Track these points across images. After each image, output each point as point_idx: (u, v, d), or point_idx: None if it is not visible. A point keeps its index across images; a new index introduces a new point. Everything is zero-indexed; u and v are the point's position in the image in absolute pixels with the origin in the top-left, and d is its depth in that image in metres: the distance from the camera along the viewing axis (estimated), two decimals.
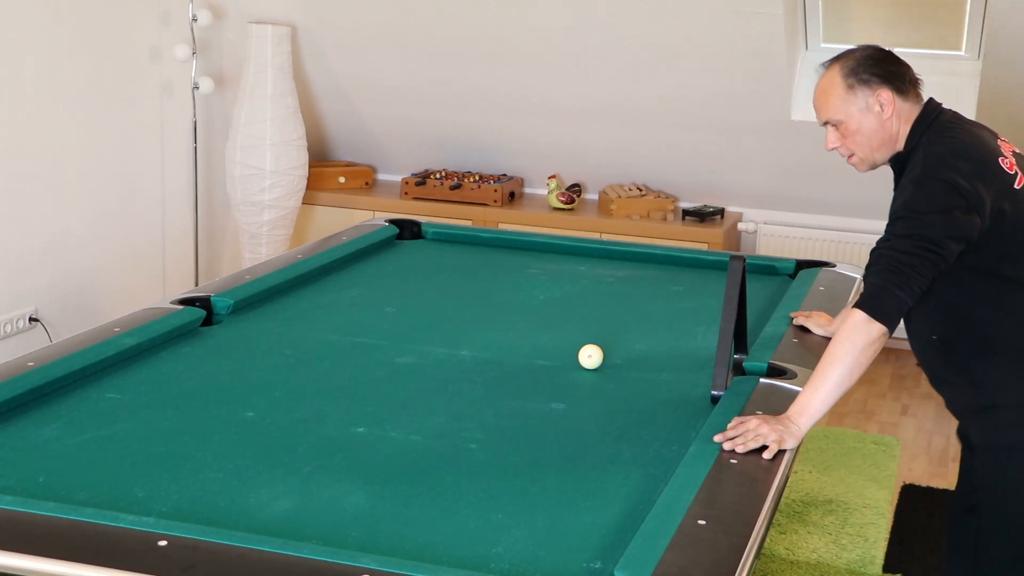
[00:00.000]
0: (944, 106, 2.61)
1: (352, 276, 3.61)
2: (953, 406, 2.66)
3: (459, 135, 5.96)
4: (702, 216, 5.64)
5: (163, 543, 1.84)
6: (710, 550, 1.89)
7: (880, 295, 2.39)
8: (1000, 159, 2.52)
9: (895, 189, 2.57)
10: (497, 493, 2.14)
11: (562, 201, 5.74)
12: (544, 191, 6.03)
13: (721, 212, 5.71)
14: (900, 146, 2.56)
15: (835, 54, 2.62)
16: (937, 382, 2.67)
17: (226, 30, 5.62)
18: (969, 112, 5.05)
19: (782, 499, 2.87)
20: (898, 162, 2.57)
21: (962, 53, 5.15)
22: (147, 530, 1.88)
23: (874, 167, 2.62)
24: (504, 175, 5.98)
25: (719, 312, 2.64)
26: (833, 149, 2.62)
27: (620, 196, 5.69)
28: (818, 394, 2.39)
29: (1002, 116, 4.98)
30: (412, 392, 2.66)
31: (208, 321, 3.07)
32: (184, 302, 3.08)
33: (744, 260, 2.72)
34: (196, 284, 5.52)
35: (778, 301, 3.37)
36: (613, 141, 5.73)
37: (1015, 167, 2.53)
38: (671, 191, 5.88)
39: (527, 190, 6.12)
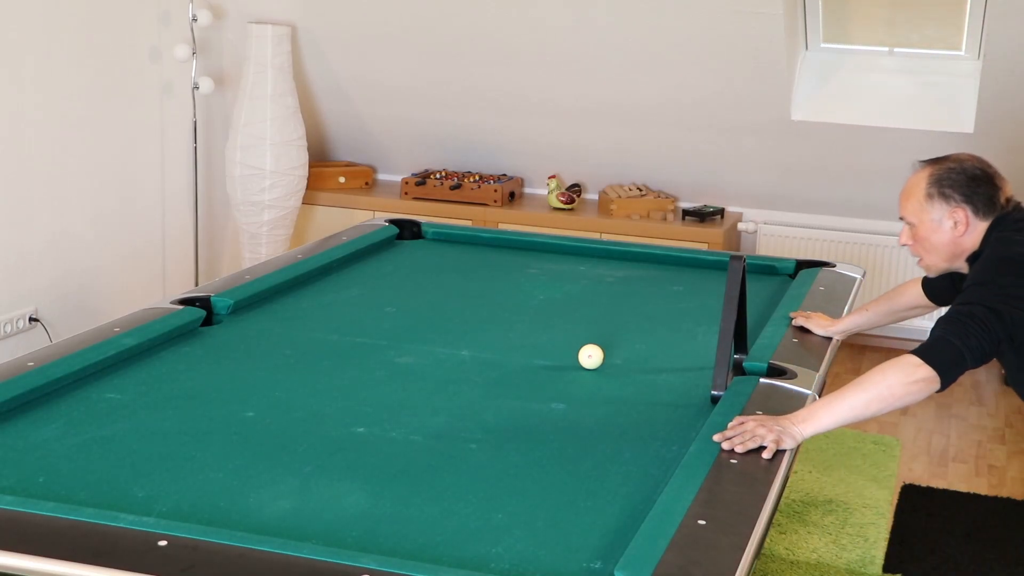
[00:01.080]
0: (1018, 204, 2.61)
1: (352, 276, 3.62)
2: None
3: (459, 135, 5.96)
4: (702, 216, 5.64)
5: (163, 543, 1.84)
6: (710, 550, 1.89)
7: (935, 343, 2.39)
8: None
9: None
10: (497, 493, 2.14)
11: (562, 201, 5.74)
12: (544, 191, 6.03)
13: (721, 212, 5.71)
14: (975, 248, 2.58)
15: (936, 157, 2.63)
16: None
17: (226, 30, 5.62)
18: (969, 112, 5.06)
19: (782, 499, 2.87)
20: (971, 260, 2.59)
21: (962, 53, 5.15)
22: (147, 530, 1.88)
23: (942, 272, 2.65)
24: (504, 175, 5.98)
25: (719, 312, 2.64)
26: (904, 245, 2.66)
27: (620, 196, 5.69)
28: (829, 407, 2.39)
29: (1002, 116, 4.98)
30: (412, 392, 2.66)
31: (208, 321, 3.07)
32: (184, 302, 3.08)
33: (744, 260, 2.72)
34: (196, 284, 5.52)
35: (778, 301, 3.37)
36: (613, 141, 5.73)
37: None
38: (671, 191, 5.88)
39: (527, 190, 6.12)
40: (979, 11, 4.95)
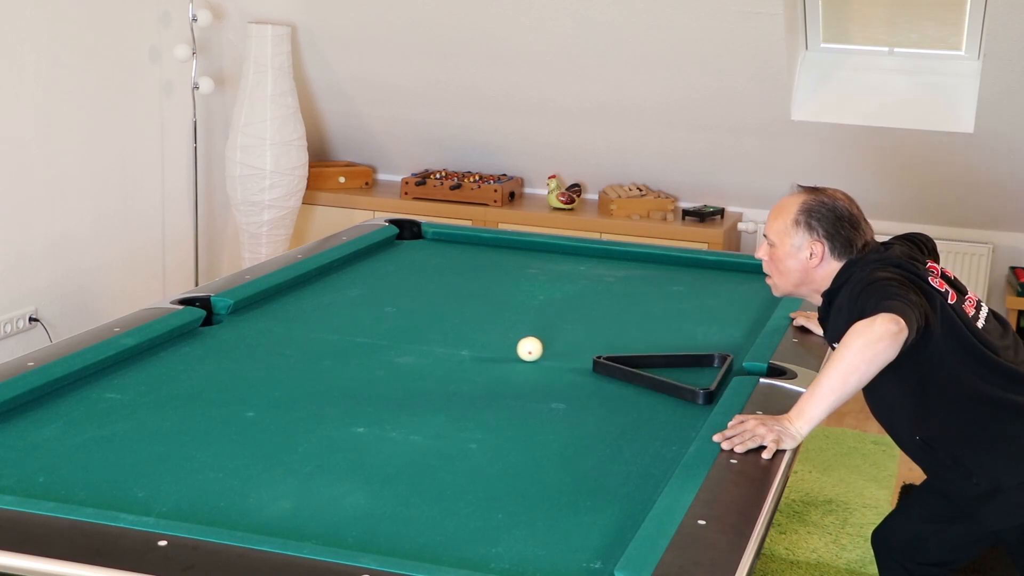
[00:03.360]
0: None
1: (352, 276, 3.62)
2: (961, 500, 2.66)
3: (459, 135, 5.96)
4: (702, 216, 5.64)
5: (163, 543, 1.84)
6: (710, 550, 1.89)
7: (877, 303, 2.38)
8: (930, 277, 2.57)
9: (823, 316, 2.65)
10: (497, 493, 2.14)
11: (562, 201, 5.74)
12: (544, 191, 6.03)
13: (721, 212, 5.71)
14: (827, 285, 2.63)
15: (815, 186, 2.70)
16: (937, 479, 2.71)
17: (226, 30, 5.62)
18: (969, 112, 5.06)
19: (782, 499, 2.87)
20: (829, 296, 2.63)
21: (962, 53, 5.15)
22: (147, 530, 1.88)
23: (789, 296, 2.74)
24: (504, 175, 5.98)
25: (719, 312, 2.65)
26: (760, 259, 2.73)
27: (620, 196, 5.69)
28: (813, 399, 2.39)
29: (1002, 116, 4.98)
30: (412, 392, 2.66)
31: (208, 321, 3.07)
32: (184, 302, 3.08)
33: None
34: (196, 284, 5.52)
35: (778, 301, 3.37)
36: (613, 141, 5.73)
37: (946, 284, 2.58)
38: (671, 191, 5.87)
39: (527, 190, 6.12)
40: (979, 11, 4.95)
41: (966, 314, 2.57)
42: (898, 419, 2.64)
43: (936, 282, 2.56)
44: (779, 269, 2.67)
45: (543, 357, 2.91)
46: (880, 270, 2.52)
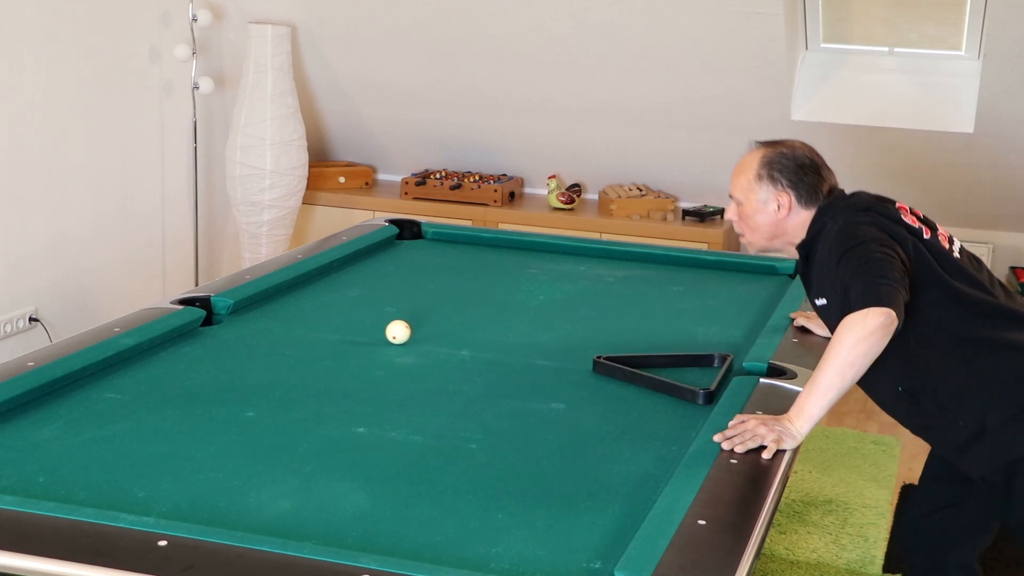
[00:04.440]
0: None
1: (352, 276, 3.62)
2: (944, 449, 2.66)
3: (459, 135, 5.96)
4: (702, 216, 5.64)
5: (163, 543, 1.84)
6: (710, 550, 1.89)
7: (866, 290, 2.38)
8: (902, 215, 2.59)
9: (803, 271, 2.68)
10: (497, 493, 2.14)
11: (562, 201, 5.74)
12: (544, 191, 6.03)
13: (721, 212, 5.71)
14: (802, 236, 2.65)
15: (772, 140, 2.71)
16: (919, 430, 2.69)
17: (226, 30, 5.62)
18: (969, 112, 5.06)
19: (782, 499, 2.87)
20: (805, 248, 2.65)
21: (962, 53, 5.15)
22: (147, 530, 1.88)
23: (765, 252, 2.76)
24: (504, 175, 5.98)
25: (719, 312, 2.65)
26: (730, 221, 2.74)
27: (620, 196, 5.69)
28: (812, 396, 2.39)
29: (1002, 116, 4.98)
30: (412, 392, 2.66)
31: (208, 321, 3.07)
32: (184, 302, 3.08)
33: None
34: (196, 284, 5.52)
35: (778, 301, 3.37)
36: (613, 141, 5.73)
37: (918, 222, 2.60)
38: (671, 191, 5.88)
39: (527, 190, 6.12)
40: (979, 11, 4.95)
41: (942, 246, 2.58)
42: (880, 373, 2.57)
43: (909, 219, 2.58)
44: (750, 226, 2.68)
45: (543, 357, 2.91)
46: (853, 218, 2.54)
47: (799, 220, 2.64)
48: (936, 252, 2.56)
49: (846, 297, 2.41)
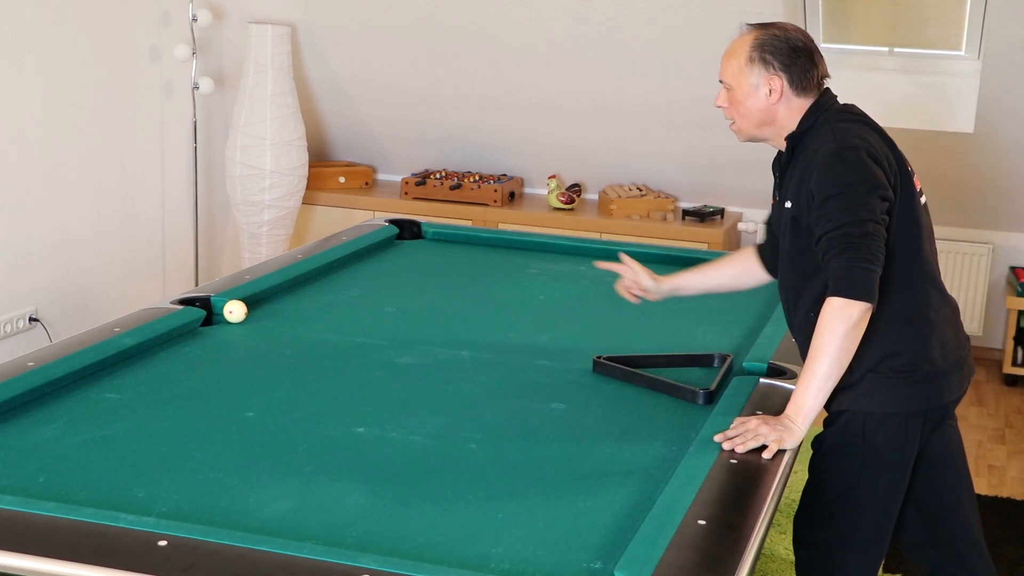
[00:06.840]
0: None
1: (352, 276, 3.62)
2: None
3: (459, 135, 5.96)
4: (702, 216, 5.64)
5: (163, 543, 1.84)
6: (710, 550, 1.89)
7: (850, 275, 2.37)
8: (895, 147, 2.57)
9: (785, 162, 2.60)
10: (497, 493, 2.14)
11: (562, 201, 5.74)
12: (544, 191, 6.03)
13: (721, 212, 5.71)
14: (792, 127, 2.57)
15: (763, 22, 2.63)
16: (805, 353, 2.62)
17: (226, 30, 5.63)
18: (969, 112, 5.06)
19: (782, 499, 2.87)
20: (793, 140, 2.58)
21: (962, 53, 5.15)
22: (147, 530, 1.88)
23: (752, 140, 2.64)
24: (504, 175, 5.98)
25: (719, 312, 2.64)
26: (719, 107, 2.64)
27: (620, 196, 5.69)
28: (810, 390, 2.39)
29: (1002, 116, 4.98)
30: (412, 392, 2.66)
31: (208, 321, 3.07)
32: (184, 302, 3.08)
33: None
34: (196, 284, 5.52)
35: (778, 301, 3.37)
36: (613, 141, 5.73)
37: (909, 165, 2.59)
38: (671, 191, 5.88)
39: (527, 190, 6.12)
40: (979, 11, 4.95)
41: (917, 191, 2.56)
42: (804, 295, 2.57)
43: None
44: (740, 112, 2.59)
45: (543, 357, 2.91)
46: (849, 136, 2.47)
47: (791, 108, 2.55)
48: (915, 198, 2.54)
49: (825, 256, 2.40)
